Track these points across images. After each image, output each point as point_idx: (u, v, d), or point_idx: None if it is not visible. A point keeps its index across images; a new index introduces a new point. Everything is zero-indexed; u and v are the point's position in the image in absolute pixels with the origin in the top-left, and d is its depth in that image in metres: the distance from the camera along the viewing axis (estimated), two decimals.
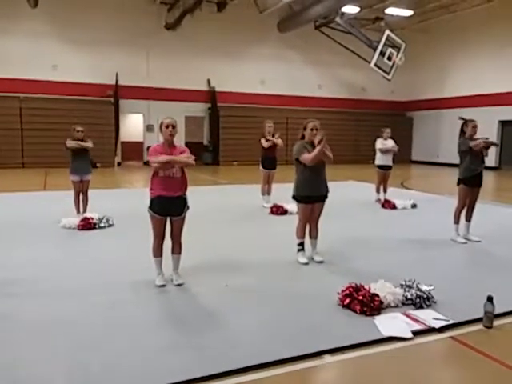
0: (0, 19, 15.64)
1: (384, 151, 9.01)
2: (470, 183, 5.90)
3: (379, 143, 9.09)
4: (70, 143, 6.76)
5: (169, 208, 4.09)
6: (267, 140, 8.31)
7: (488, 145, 5.84)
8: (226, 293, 4.02)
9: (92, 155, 7.24)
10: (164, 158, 3.95)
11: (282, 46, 19.78)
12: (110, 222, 6.66)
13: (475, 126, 5.83)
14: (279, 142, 8.37)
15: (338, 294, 3.77)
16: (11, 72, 15.93)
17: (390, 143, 9.10)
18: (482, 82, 18.76)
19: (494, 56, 18.31)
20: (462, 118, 6.06)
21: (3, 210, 7.93)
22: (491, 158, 18.13)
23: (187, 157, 4.08)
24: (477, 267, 4.98)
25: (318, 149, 4.64)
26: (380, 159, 9.17)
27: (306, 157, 4.72)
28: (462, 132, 5.92)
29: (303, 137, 4.89)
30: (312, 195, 4.86)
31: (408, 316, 3.49)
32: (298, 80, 20.25)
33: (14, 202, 8.74)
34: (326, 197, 4.94)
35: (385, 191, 9.25)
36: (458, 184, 6.00)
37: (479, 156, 5.86)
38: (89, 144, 6.86)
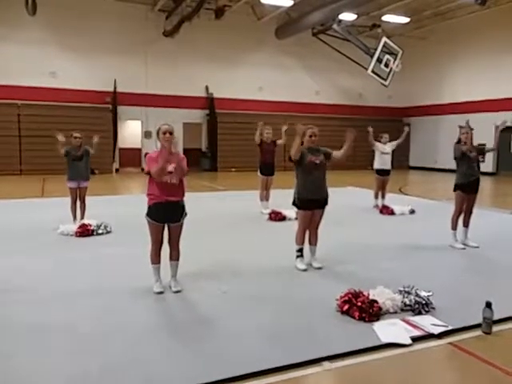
0: None
1: (381, 153, 9.06)
2: (467, 189, 5.92)
3: (379, 146, 9.13)
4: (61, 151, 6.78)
5: (167, 215, 4.09)
6: (261, 143, 8.35)
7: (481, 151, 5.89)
8: (224, 299, 4.00)
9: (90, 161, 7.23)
10: (160, 163, 3.93)
11: (280, 52, 19.86)
12: (108, 229, 6.65)
13: (466, 133, 5.87)
14: (280, 141, 8.46)
15: (337, 300, 3.77)
16: (9, 79, 15.94)
17: (389, 148, 9.15)
18: (479, 88, 18.87)
19: (491, 62, 18.42)
20: (461, 127, 6.09)
21: (1, 216, 7.90)
22: (489, 164, 18.20)
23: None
24: (475, 273, 4.97)
25: (296, 143, 4.71)
26: (378, 162, 9.19)
27: (292, 150, 4.75)
28: (460, 140, 5.96)
29: (302, 143, 4.91)
30: (313, 198, 4.85)
31: (407, 322, 3.48)
32: (295, 86, 20.33)
33: (11, 209, 8.72)
34: (326, 203, 4.95)
35: (383, 197, 9.26)
36: (455, 190, 6.02)
37: (475, 162, 5.90)
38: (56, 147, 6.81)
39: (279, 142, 8.45)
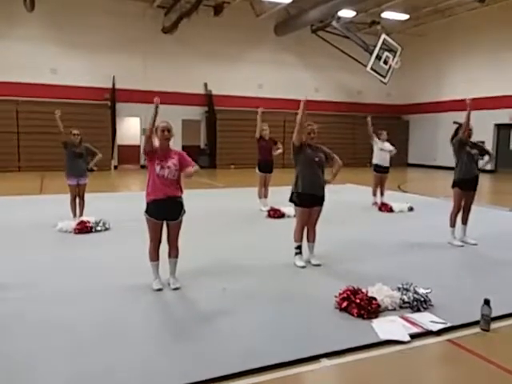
0: None
1: (380, 149, 9.07)
2: (465, 186, 5.93)
3: (378, 142, 9.13)
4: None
5: (165, 212, 4.08)
6: (259, 139, 8.37)
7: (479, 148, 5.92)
8: (223, 297, 4.00)
9: (89, 159, 7.23)
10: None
11: (279, 49, 19.81)
12: (107, 226, 6.64)
13: (469, 130, 5.88)
14: (280, 149, 8.51)
15: (336, 297, 3.77)
16: (8, 76, 15.87)
17: (387, 145, 9.15)
18: (478, 86, 18.80)
19: (490, 60, 18.40)
20: (456, 123, 6.10)
21: None
22: None
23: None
24: (474, 270, 4.99)
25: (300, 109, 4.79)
26: (377, 158, 9.19)
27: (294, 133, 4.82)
28: (456, 136, 5.97)
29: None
30: (310, 193, 4.84)
31: (405, 319, 3.49)
32: (294, 83, 20.25)
33: (10, 206, 8.69)
34: (323, 199, 4.94)
35: (382, 194, 9.26)
36: (453, 187, 6.02)
37: (474, 159, 5.90)
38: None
39: (279, 148, 8.46)
